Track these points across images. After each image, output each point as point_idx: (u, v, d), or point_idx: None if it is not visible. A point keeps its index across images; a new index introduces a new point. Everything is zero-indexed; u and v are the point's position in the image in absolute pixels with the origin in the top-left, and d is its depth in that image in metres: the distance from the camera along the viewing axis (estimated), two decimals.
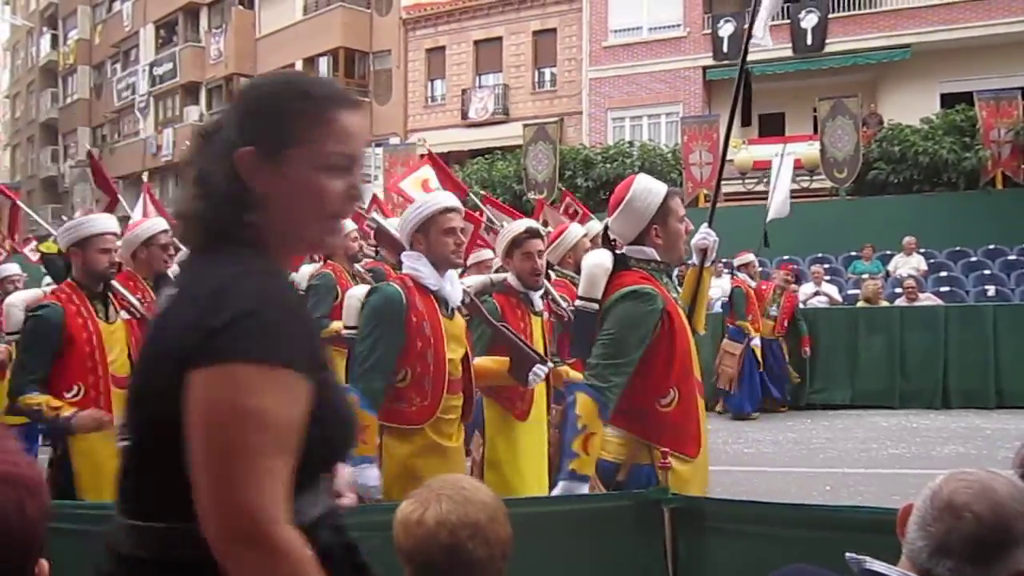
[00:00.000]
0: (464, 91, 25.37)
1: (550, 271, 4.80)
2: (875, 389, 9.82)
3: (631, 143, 18.99)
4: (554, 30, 24.23)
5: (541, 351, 3.80)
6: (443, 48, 25.86)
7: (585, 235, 5.04)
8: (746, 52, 3.67)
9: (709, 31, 21.67)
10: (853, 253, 13.69)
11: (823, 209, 15.10)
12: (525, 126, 18.26)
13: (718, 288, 9.88)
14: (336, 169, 1.32)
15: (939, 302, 10.86)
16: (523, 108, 24.29)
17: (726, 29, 21.30)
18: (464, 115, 25.31)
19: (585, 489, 2.75)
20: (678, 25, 22.20)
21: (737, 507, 2.68)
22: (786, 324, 9.91)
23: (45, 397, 3.48)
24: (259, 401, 1.16)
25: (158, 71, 32.52)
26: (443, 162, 6.97)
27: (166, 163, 31.23)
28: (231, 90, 30.41)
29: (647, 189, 2.97)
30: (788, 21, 20.64)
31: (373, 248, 6.44)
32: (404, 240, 3.34)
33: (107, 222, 3.82)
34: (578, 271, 4.78)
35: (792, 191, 18.72)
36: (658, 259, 2.96)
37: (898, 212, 13.96)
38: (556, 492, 2.80)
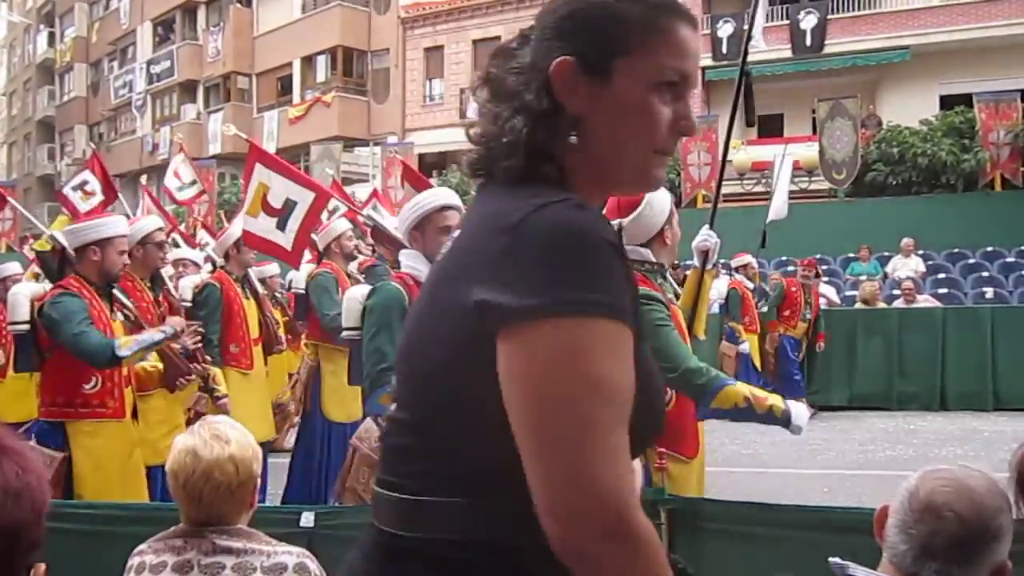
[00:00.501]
0: (462, 90, 25.34)
1: None
2: (873, 391, 9.80)
3: None
4: None
5: None
6: (441, 47, 25.85)
7: None
8: (746, 54, 3.62)
9: (708, 32, 21.64)
10: (851, 255, 13.68)
11: (821, 210, 15.10)
12: None
13: (714, 290, 9.83)
14: (668, 89, 1.12)
15: (937, 304, 10.85)
16: None
17: (725, 30, 21.29)
18: (463, 114, 25.25)
19: None
20: None
21: (733, 508, 2.66)
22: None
23: (128, 337, 3.58)
24: (602, 364, 0.97)
25: (155, 69, 32.46)
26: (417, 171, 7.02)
27: (163, 161, 31.16)
28: (228, 88, 30.40)
29: (660, 192, 2.96)
30: (787, 22, 20.64)
31: (370, 247, 6.42)
32: (403, 238, 3.33)
33: (124, 224, 3.90)
34: None
35: (790, 192, 18.77)
36: (653, 260, 2.96)
37: (896, 214, 13.96)
38: None
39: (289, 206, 4.67)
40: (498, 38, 24.96)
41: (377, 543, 1.15)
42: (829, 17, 20.32)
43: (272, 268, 7.45)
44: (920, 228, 13.27)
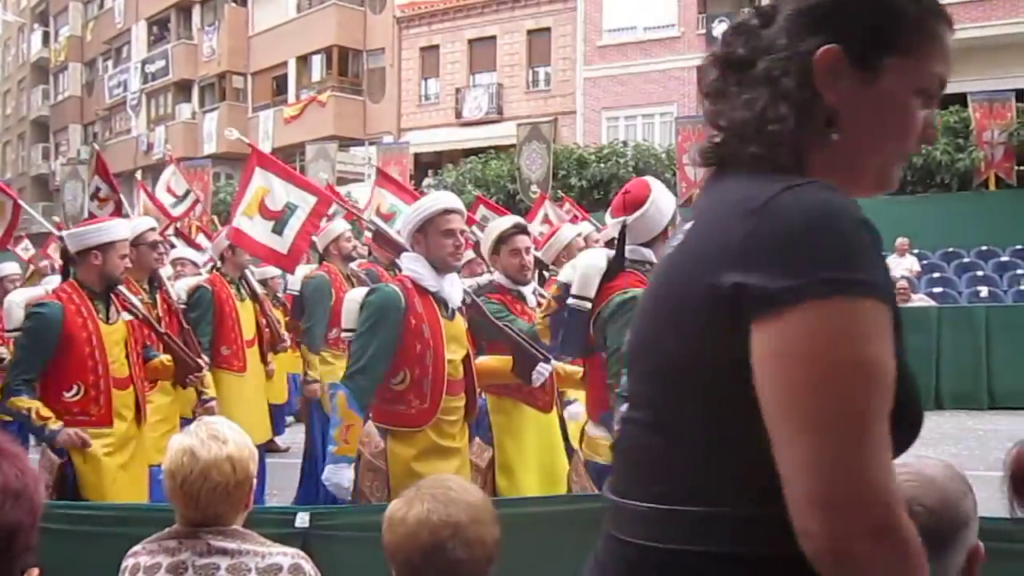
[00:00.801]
0: (458, 90, 25.33)
1: (544, 271, 4.78)
2: None
3: (625, 143, 18.98)
4: (548, 29, 24.20)
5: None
6: (437, 47, 25.82)
7: (578, 235, 5.02)
8: None
9: (703, 31, 21.67)
10: None
11: None
12: (519, 125, 18.23)
13: None
14: (927, 96, 1.08)
15: (932, 303, 10.87)
16: (517, 107, 24.27)
17: (720, 29, 21.25)
18: (458, 114, 25.26)
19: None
20: (672, 25, 22.21)
21: None
22: None
23: (35, 403, 3.47)
24: (871, 347, 0.91)
25: (150, 68, 32.38)
26: (391, 176, 6.98)
27: (158, 161, 31.10)
28: (224, 88, 30.34)
29: (665, 192, 3.01)
30: None
31: (367, 249, 6.41)
32: (405, 241, 3.33)
33: (124, 228, 3.88)
34: None
35: None
36: (654, 260, 2.96)
37: (891, 213, 13.92)
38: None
39: (289, 209, 4.66)
40: (493, 38, 24.98)
41: (622, 557, 1.08)
42: None
43: (273, 269, 7.45)
44: (915, 227, 13.29)
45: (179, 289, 5.15)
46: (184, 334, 4.58)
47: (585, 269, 2.99)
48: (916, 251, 13.16)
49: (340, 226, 5.81)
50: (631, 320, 1.20)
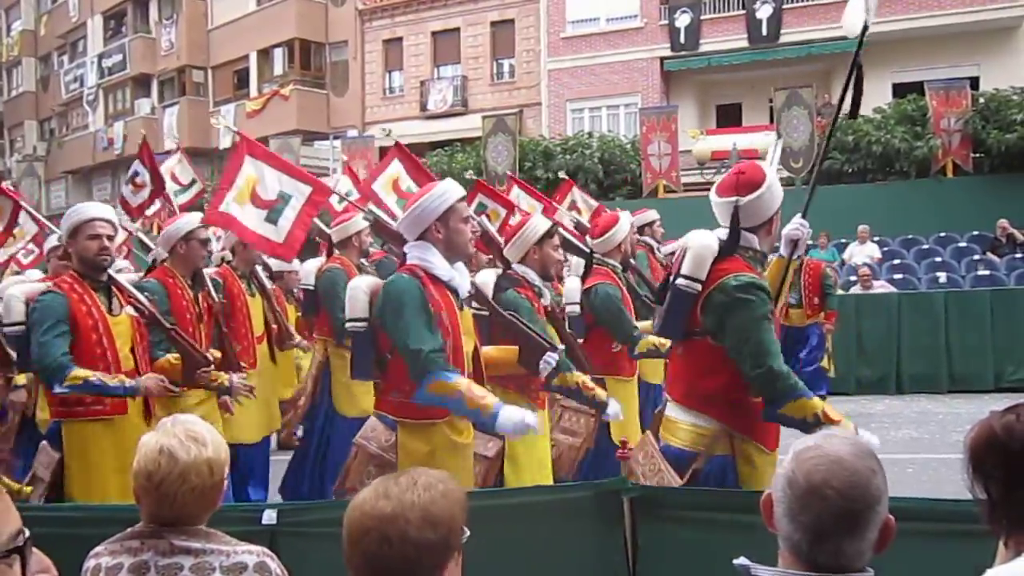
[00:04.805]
0: (423, 83, 25.20)
1: (591, 261, 4.74)
2: (832, 376, 9.97)
3: (590, 134, 19.03)
4: (512, 21, 24.17)
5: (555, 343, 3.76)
6: (400, 39, 25.66)
7: (632, 226, 4.92)
8: (861, 42, 3.52)
9: (666, 22, 21.78)
10: (810, 242, 13.86)
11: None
12: (484, 118, 18.19)
13: None
14: None
15: (893, 289, 11.05)
16: (482, 100, 24.21)
17: (682, 20, 21.43)
18: (423, 107, 25.14)
19: None
20: (635, 16, 22.29)
21: (695, 495, 2.68)
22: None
23: (88, 371, 3.37)
24: None
25: (107, 63, 31.74)
26: (409, 153, 6.49)
27: (118, 157, 30.54)
28: (183, 82, 29.86)
29: (776, 181, 2.91)
30: (744, 12, 20.84)
31: (380, 240, 6.20)
32: (411, 230, 3.16)
33: (97, 209, 3.70)
34: (623, 261, 4.64)
35: None
36: (758, 247, 2.90)
37: (852, 201, 14.17)
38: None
39: (283, 200, 4.50)
40: (457, 30, 24.88)
41: None
42: (784, 7, 20.54)
43: (289, 264, 7.35)
44: (875, 215, 13.51)
45: None
46: (221, 338, 4.45)
47: (700, 250, 2.85)
48: (877, 238, 13.37)
49: (358, 223, 5.67)
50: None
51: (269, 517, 2.68)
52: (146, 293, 3.99)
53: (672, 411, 2.93)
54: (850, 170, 15.33)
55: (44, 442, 3.58)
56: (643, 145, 16.37)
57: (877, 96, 18.04)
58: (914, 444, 7.26)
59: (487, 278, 3.95)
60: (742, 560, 1.47)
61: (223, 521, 2.10)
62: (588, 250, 4.87)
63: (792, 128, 15.53)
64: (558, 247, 4.01)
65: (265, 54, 27.87)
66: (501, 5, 24.21)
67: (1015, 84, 15.15)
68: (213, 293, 4.58)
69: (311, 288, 5.57)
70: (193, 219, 4.49)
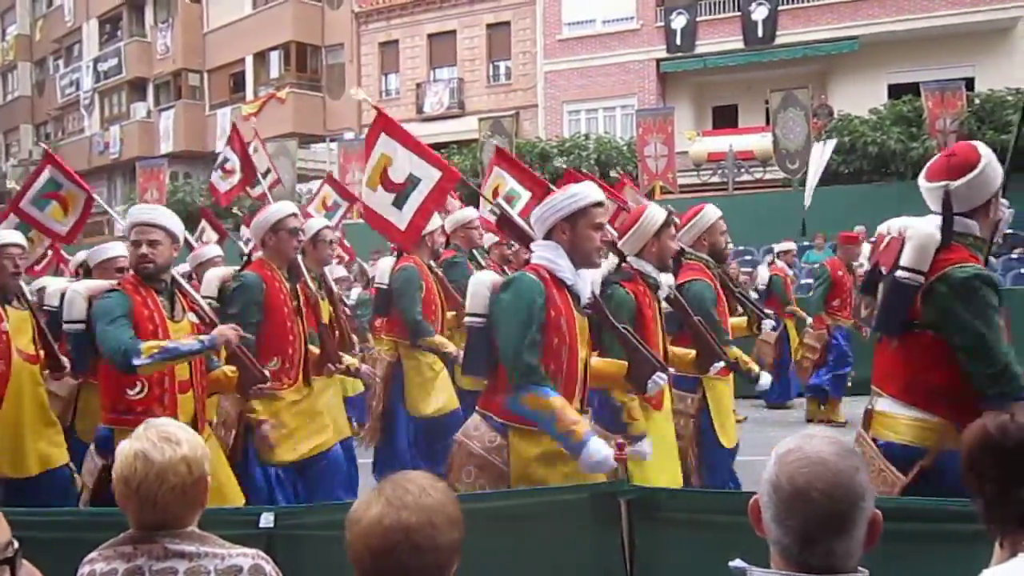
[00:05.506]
0: (419, 85, 25.21)
1: (681, 255, 4.51)
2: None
3: (587, 136, 19.05)
4: (508, 23, 24.19)
5: (662, 338, 3.69)
6: (396, 42, 25.67)
7: (720, 218, 4.59)
8: None
9: (662, 24, 21.82)
10: (806, 243, 13.91)
11: (775, 199, 15.30)
12: (480, 120, 18.21)
13: (759, 278, 9.26)
14: None
15: None
16: (478, 102, 24.22)
17: (678, 22, 21.47)
18: (419, 109, 25.15)
19: None
20: (631, 18, 22.32)
21: (691, 497, 2.69)
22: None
23: (156, 341, 3.28)
24: None
25: (103, 67, 31.73)
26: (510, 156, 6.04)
27: (113, 161, 30.52)
28: (179, 85, 29.86)
29: (994, 158, 2.75)
30: (739, 14, 20.88)
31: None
32: (537, 228, 3.07)
33: (136, 214, 3.52)
34: (712, 254, 4.37)
35: (745, 182, 19.07)
36: (978, 233, 2.76)
37: (848, 201, 14.22)
38: None
39: (412, 182, 4.18)
40: (453, 32, 24.90)
41: None
42: (779, 8, 20.59)
43: (341, 269, 7.28)
44: (871, 215, 13.49)
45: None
46: (321, 330, 4.31)
47: (923, 240, 2.71)
48: (872, 239, 13.39)
49: (472, 212, 5.58)
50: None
51: (266, 520, 2.67)
52: (241, 286, 3.91)
53: (888, 406, 2.81)
54: (846, 171, 15.38)
55: (92, 447, 3.51)
56: (639, 147, 16.40)
57: (873, 97, 18.09)
58: None
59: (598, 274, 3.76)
60: (738, 562, 1.46)
61: (221, 524, 2.10)
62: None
63: (788, 129, 15.57)
64: (674, 236, 3.83)
65: (261, 57, 27.87)
66: (497, 7, 24.24)
67: (1010, 85, 15.21)
68: (310, 284, 4.40)
69: (384, 287, 5.45)
70: (281, 209, 4.21)
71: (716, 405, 4.18)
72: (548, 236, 3.02)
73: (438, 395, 5.26)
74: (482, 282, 3.12)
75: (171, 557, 1.74)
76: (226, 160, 6.96)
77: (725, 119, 22.11)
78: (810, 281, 11.86)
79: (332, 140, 23.25)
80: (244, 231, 8.89)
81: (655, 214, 3.81)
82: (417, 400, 5.26)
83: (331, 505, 3.03)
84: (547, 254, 2.99)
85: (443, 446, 5.31)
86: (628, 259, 3.78)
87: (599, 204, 3.00)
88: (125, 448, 1.78)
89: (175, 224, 3.54)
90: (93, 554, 1.81)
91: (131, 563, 1.74)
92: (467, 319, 3.13)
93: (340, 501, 3.71)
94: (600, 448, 2.76)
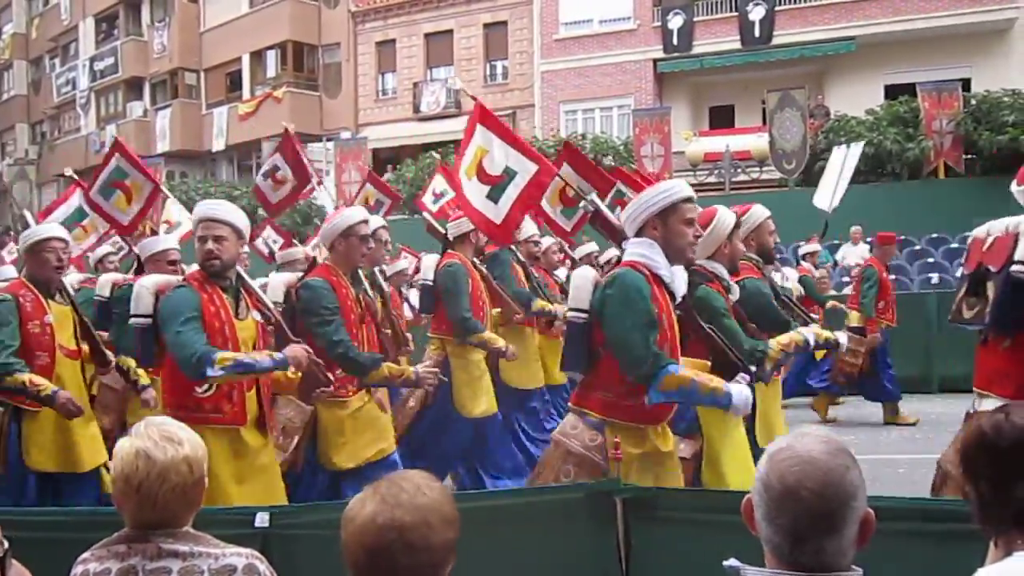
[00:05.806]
0: (415, 84, 25.19)
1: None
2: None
3: (584, 136, 19.05)
4: (505, 23, 24.18)
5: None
6: (393, 41, 25.65)
7: (768, 217, 4.48)
8: None
9: (659, 24, 21.82)
10: (802, 243, 13.91)
11: (772, 200, 15.19)
12: None
13: (789, 281, 9.26)
14: None
15: None
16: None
17: (675, 22, 21.48)
18: (416, 108, 25.13)
19: None
20: (628, 18, 22.32)
21: (687, 496, 2.69)
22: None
23: (230, 353, 3.25)
24: None
25: (99, 66, 31.64)
26: (580, 153, 5.80)
27: None
28: (176, 85, 29.79)
29: None
30: (736, 14, 20.89)
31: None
32: (629, 225, 3.06)
33: (200, 210, 3.51)
34: (760, 254, 4.28)
35: (741, 182, 19.07)
36: None
37: (845, 202, 14.20)
38: None
39: (508, 176, 4.13)
40: (450, 32, 24.88)
41: None
42: (777, 9, 20.61)
43: (402, 263, 7.27)
44: (867, 216, 13.54)
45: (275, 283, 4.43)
46: (381, 337, 4.23)
47: None
48: (869, 239, 13.40)
49: (528, 228, 5.53)
50: None
51: (262, 520, 2.67)
52: (309, 291, 3.84)
53: (988, 406, 2.76)
54: None
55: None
56: (636, 147, 16.40)
57: (869, 97, 18.11)
58: (906, 444, 7.28)
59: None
60: (732, 562, 1.47)
61: (215, 524, 2.09)
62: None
63: (785, 130, 15.58)
64: (742, 238, 3.81)
65: (258, 56, 27.82)
66: (494, 7, 24.23)
67: (1006, 86, 15.24)
68: (369, 291, 4.34)
69: (430, 284, 5.39)
70: (353, 215, 4.13)
71: (763, 407, 4.07)
72: (639, 233, 3.01)
73: (485, 396, 5.21)
74: (586, 277, 3.09)
75: (165, 557, 1.74)
76: (276, 168, 6.79)
77: (722, 119, 22.12)
78: (846, 280, 11.82)
79: (329, 139, 23.20)
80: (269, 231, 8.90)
81: (726, 217, 3.77)
82: (465, 399, 5.20)
83: (326, 504, 3.02)
84: (642, 250, 2.98)
85: (480, 450, 5.31)
86: (702, 262, 3.69)
87: (689, 199, 3.00)
88: (126, 446, 1.78)
89: (241, 220, 3.49)
90: (86, 554, 1.81)
91: (124, 562, 1.74)
92: (570, 313, 3.09)
93: (336, 501, 3.70)
94: (742, 390, 2.92)
